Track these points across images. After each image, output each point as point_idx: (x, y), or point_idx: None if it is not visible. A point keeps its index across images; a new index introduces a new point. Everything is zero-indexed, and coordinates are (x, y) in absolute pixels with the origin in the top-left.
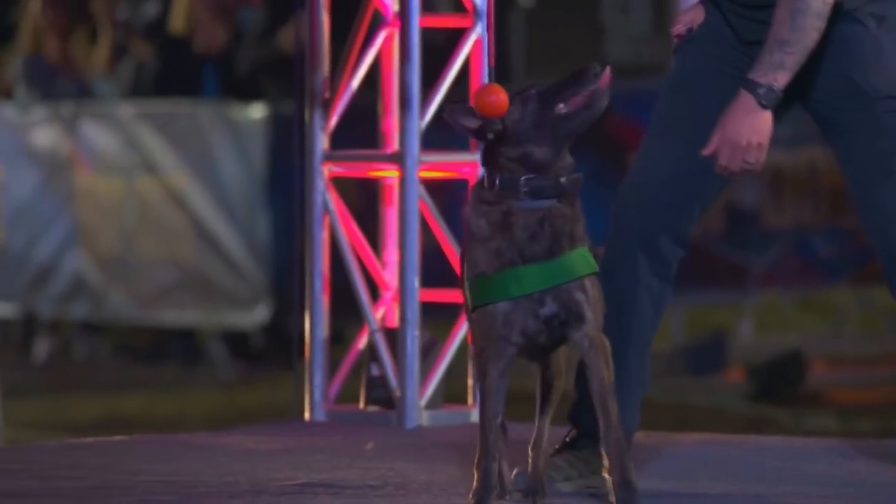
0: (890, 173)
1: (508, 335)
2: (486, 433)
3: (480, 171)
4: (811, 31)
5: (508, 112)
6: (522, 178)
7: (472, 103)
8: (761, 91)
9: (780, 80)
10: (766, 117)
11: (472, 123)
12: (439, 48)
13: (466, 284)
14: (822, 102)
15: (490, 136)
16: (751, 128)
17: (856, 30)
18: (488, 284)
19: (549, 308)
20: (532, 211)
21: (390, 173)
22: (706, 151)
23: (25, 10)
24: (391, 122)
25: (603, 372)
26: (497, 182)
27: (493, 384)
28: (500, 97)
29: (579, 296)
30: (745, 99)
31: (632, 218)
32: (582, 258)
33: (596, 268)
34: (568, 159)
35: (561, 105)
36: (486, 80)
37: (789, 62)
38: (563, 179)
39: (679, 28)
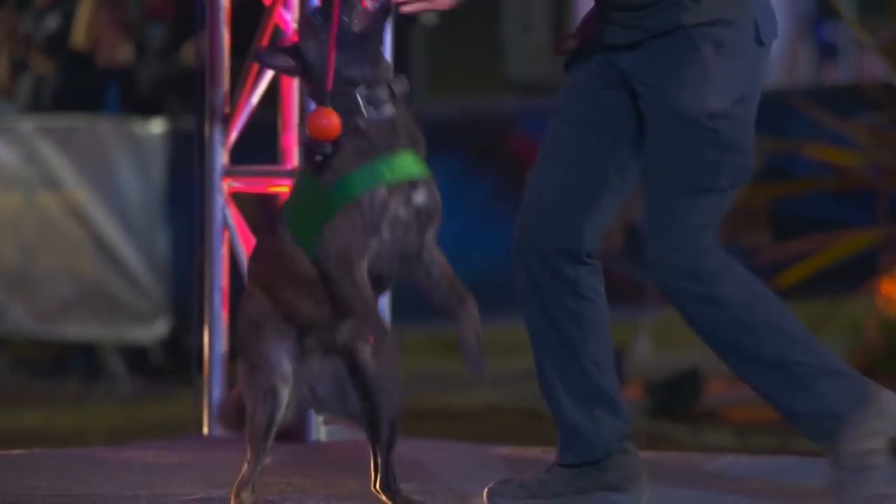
0: (684, 193)
1: (379, 224)
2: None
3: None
4: None
5: (304, 47)
6: (357, 93)
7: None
8: None
9: None
10: None
11: (286, 62)
12: None
13: (323, 192)
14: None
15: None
16: None
17: (686, 49)
18: (355, 178)
19: (421, 196)
20: (379, 122)
21: (286, 188)
22: None
23: None
24: (290, 137)
25: (446, 271)
26: (334, 104)
27: (365, 281)
28: (333, 121)
29: (437, 192)
30: None
31: (528, 242)
32: (423, 162)
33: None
34: (386, 65)
35: (355, 23)
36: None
37: None
38: (393, 86)
39: (564, 44)
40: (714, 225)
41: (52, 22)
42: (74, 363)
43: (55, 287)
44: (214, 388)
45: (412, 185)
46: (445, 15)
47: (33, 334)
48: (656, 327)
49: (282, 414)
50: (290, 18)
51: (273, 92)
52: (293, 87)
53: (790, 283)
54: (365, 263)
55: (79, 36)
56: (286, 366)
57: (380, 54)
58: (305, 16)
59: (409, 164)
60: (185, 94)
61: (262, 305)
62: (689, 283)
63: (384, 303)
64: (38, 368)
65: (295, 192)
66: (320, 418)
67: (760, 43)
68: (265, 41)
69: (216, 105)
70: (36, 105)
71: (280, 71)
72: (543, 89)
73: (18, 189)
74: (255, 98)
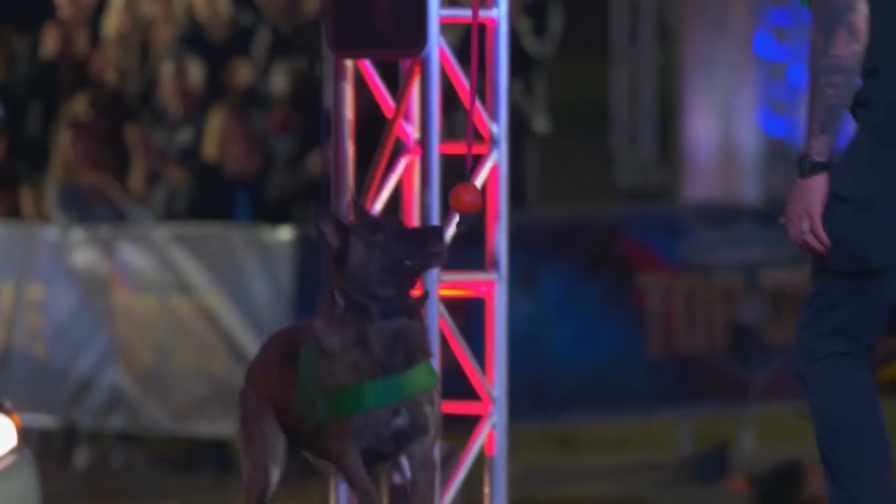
0: None
1: (366, 434)
2: None
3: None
4: (826, 88)
5: (353, 249)
6: (373, 305)
7: (450, 200)
8: (801, 162)
9: (816, 145)
10: (808, 185)
11: (333, 240)
12: (458, 169)
13: (319, 395)
14: None
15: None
16: (797, 199)
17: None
18: (348, 395)
19: (403, 419)
20: (387, 329)
21: None
22: (781, 221)
23: (57, 141)
24: None
25: (427, 491)
26: (344, 306)
27: (356, 465)
28: (477, 198)
29: (427, 408)
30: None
31: None
32: (430, 370)
33: (437, 382)
34: (412, 284)
35: (407, 262)
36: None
37: (814, 127)
38: (410, 300)
39: None
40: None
41: (184, 135)
42: (207, 459)
43: (188, 386)
44: (340, 484)
45: (395, 409)
46: (558, 125)
47: (168, 431)
48: (760, 422)
49: (273, 490)
50: (410, 130)
51: (395, 200)
52: (414, 195)
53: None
54: (356, 454)
55: (210, 148)
56: (280, 448)
57: (413, 279)
58: (364, 211)
59: (400, 385)
60: (313, 203)
61: (259, 385)
62: None
63: (501, 395)
64: (173, 464)
65: (309, 358)
66: None
67: None
68: (387, 153)
69: (342, 213)
70: (170, 213)
71: (322, 239)
72: (649, 197)
73: (154, 294)
74: (379, 205)
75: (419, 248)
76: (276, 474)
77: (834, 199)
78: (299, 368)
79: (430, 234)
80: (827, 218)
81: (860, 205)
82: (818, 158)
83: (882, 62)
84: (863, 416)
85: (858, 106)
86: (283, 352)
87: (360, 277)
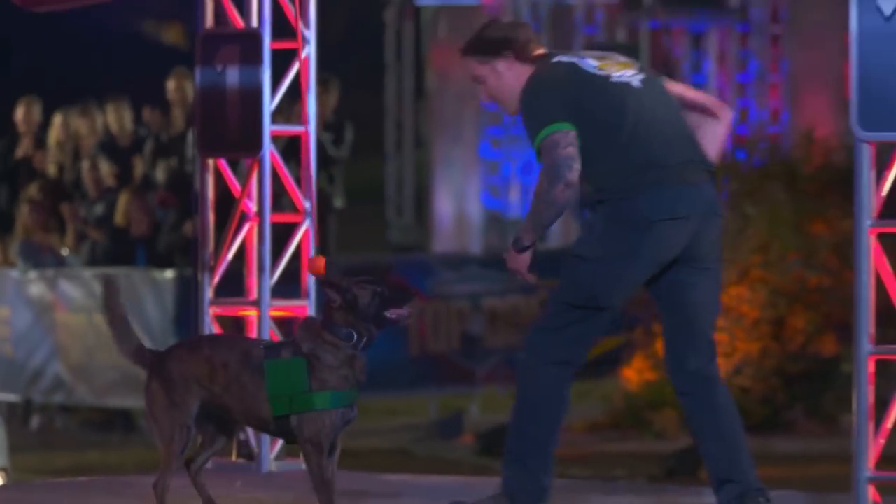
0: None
1: (332, 428)
2: (323, 489)
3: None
4: (543, 212)
5: (361, 294)
6: (364, 340)
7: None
8: (515, 242)
9: (526, 237)
10: (518, 257)
11: (335, 298)
12: (281, 235)
13: (299, 394)
14: None
15: (337, 304)
16: (512, 262)
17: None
18: (336, 396)
19: (354, 412)
20: (362, 356)
21: (251, 312)
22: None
23: (18, 212)
24: (252, 281)
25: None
26: (353, 338)
27: (323, 463)
28: (321, 264)
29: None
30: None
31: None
32: None
33: None
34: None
35: (391, 313)
36: (311, 255)
37: (529, 226)
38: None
39: None
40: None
41: (98, 209)
42: (117, 423)
43: (105, 374)
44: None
45: (351, 406)
46: (350, 201)
47: (92, 404)
48: (483, 398)
49: (187, 447)
50: (251, 205)
51: (241, 253)
52: (253, 250)
53: None
54: (328, 434)
55: (119, 217)
56: (194, 415)
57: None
58: (357, 279)
59: (357, 392)
60: (187, 254)
61: (187, 371)
62: None
63: None
64: (95, 426)
65: (283, 364)
66: (272, 453)
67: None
68: (235, 221)
69: (205, 260)
70: (93, 260)
71: (327, 297)
72: (410, 249)
73: (83, 313)
74: (230, 255)
75: (401, 301)
76: (191, 435)
77: (577, 258)
78: (268, 375)
79: (408, 294)
80: (572, 271)
81: (594, 262)
82: (526, 244)
83: (610, 181)
84: (554, 416)
85: (597, 202)
86: (239, 359)
87: (366, 316)
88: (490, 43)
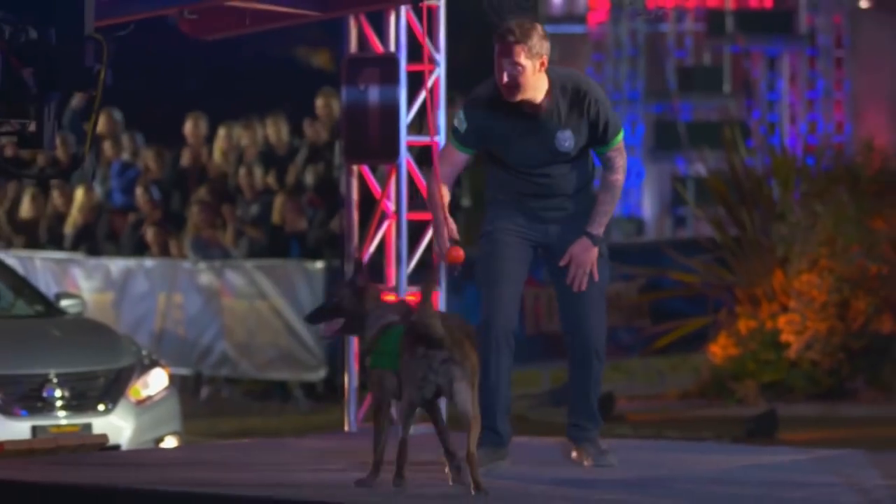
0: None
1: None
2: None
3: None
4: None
5: (340, 296)
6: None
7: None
8: (592, 237)
9: (600, 231)
10: (592, 250)
11: (333, 324)
12: (415, 231)
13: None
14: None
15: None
16: (589, 254)
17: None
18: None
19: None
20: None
21: (390, 297)
22: (562, 263)
23: (189, 212)
24: (391, 270)
25: None
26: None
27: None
28: (460, 254)
29: None
30: (586, 241)
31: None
32: None
33: None
34: None
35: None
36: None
37: (602, 222)
38: None
39: None
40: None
41: (255, 209)
42: (274, 393)
43: (265, 352)
44: (351, 408)
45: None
46: (475, 202)
47: (254, 377)
48: None
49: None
50: (390, 205)
51: (381, 247)
52: (392, 244)
53: (662, 345)
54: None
55: (276, 216)
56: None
57: None
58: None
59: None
60: (334, 247)
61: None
62: None
63: None
64: (256, 396)
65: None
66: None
67: None
68: (376, 218)
69: (350, 253)
70: (251, 254)
71: (332, 327)
72: None
73: (244, 299)
74: (372, 248)
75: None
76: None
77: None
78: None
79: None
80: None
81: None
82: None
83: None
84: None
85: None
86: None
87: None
88: (542, 45)
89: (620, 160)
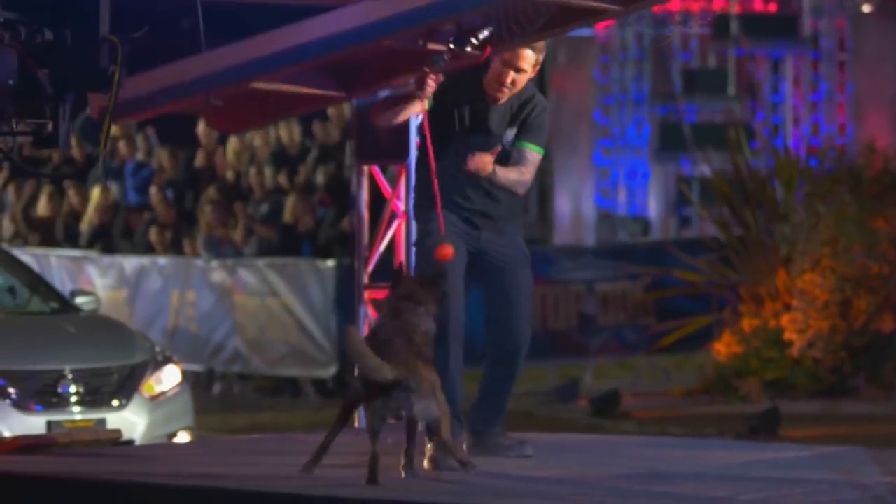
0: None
1: None
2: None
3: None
4: (514, 185)
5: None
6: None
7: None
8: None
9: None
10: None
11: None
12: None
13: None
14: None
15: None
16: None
17: None
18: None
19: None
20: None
21: None
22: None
23: (202, 210)
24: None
25: None
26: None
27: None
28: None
29: None
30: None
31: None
32: None
33: None
34: None
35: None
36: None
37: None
38: None
39: None
40: None
41: (265, 208)
42: (285, 390)
43: (276, 349)
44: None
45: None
46: None
47: (265, 373)
48: (596, 369)
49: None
50: (400, 205)
51: (391, 245)
52: (402, 243)
53: (667, 343)
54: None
55: (287, 214)
56: None
57: None
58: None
59: None
60: (345, 245)
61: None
62: None
63: None
64: (267, 392)
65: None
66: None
67: None
68: (387, 217)
69: (361, 251)
70: (261, 252)
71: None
72: (534, 242)
73: (256, 297)
74: (382, 247)
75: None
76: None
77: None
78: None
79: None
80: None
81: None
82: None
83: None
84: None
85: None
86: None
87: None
88: (541, 58)
89: (531, 168)
